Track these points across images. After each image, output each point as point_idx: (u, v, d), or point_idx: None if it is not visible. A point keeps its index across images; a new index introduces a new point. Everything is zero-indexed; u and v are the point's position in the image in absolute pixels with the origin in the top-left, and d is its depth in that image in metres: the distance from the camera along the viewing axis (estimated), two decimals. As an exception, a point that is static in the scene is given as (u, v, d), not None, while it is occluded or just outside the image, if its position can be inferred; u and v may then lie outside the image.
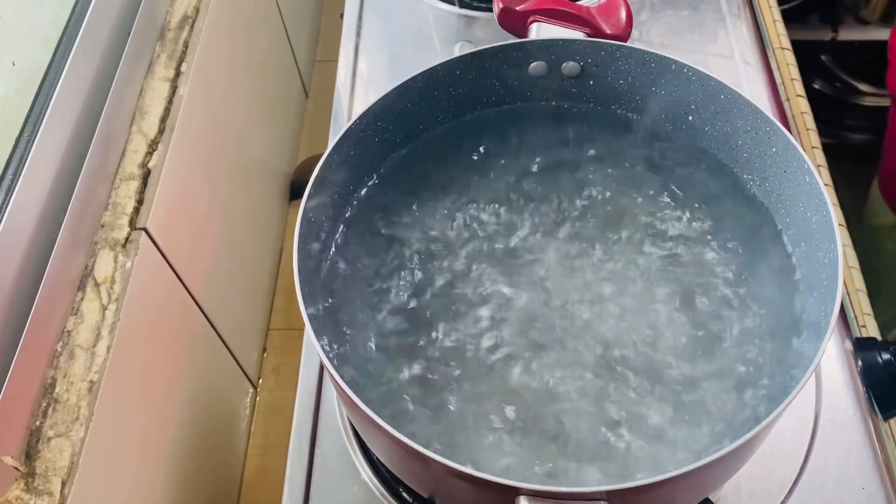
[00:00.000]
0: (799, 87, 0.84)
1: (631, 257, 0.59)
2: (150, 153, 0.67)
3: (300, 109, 1.15)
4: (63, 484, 0.51)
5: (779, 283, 0.56)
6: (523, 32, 0.66)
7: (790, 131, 0.58)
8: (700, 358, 0.54)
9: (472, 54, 0.62)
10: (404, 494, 0.59)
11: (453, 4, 0.90)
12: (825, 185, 0.56)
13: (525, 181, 0.63)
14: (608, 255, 0.59)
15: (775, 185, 0.58)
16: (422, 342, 0.56)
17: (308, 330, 0.48)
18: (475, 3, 0.90)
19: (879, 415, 0.63)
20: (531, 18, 0.65)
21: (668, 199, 0.62)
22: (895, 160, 1.01)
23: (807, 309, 0.54)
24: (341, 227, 0.61)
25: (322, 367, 0.66)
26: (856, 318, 0.70)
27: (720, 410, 0.52)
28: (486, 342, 0.56)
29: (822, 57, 1.48)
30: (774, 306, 0.56)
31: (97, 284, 0.59)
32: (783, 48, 0.87)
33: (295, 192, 1.04)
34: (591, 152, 0.64)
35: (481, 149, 0.65)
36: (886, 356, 0.64)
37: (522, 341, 0.55)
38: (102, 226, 0.63)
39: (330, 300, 0.57)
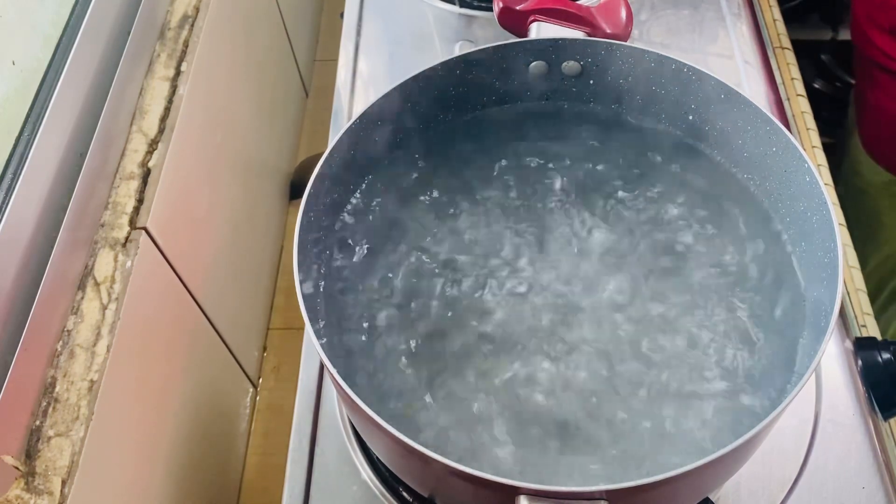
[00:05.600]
0: (799, 87, 0.84)
1: (628, 255, 0.59)
2: (150, 152, 0.67)
3: (300, 109, 1.15)
4: (63, 483, 0.51)
5: (778, 282, 0.56)
6: (523, 32, 0.66)
7: (790, 131, 0.58)
8: (698, 356, 0.54)
9: (472, 54, 0.62)
10: (404, 494, 0.59)
11: (453, 4, 0.90)
12: (825, 184, 0.56)
13: (525, 180, 0.63)
14: (605, 253, 0.59)
15: (775, 184, 0.58)
16: (423, 340, 0.56)
17: (308, 329, 0.48)
18: (475, 3, 0.90)
19: (879, 414, 0.63)
20: (531, 18, 0.65)
21: (667, 199, 0.62)
22: (875, 117, 1.01)
23: (807, 309, 0.54)
24: (341, 226, 0.61)
25: (322, 367, 0.66)
26: (856, 317, 0.70)
27: (719, 410, 0.52)
28: (488, 339, 0.56)
29: (822, 57, 1.48)
30: (774, 306, 0.56)
31: (97, 284, 0.59)
32: (783, 48, 0.87)
33: (295, 191, 1.04)
34: (591, 152, 0.64)
35: (481, 148, 0.65)
36: (886, 356, 0.64)
37: (526, 330, 0.56)
38: (102, 225, 0.63)
39: (330, 299, 0.57)
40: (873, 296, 1.08)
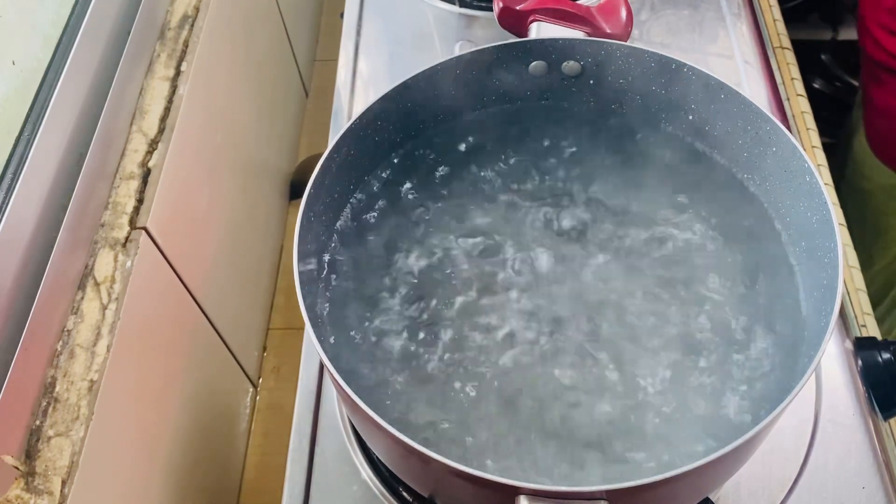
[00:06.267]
0: (799, 87, 0.84)
1: (627, 255, 0.59)
2: (150, 152, 0.67)
3: (300, 109, 1.15)
4: (63, 483, 0.51)
5: (778, 282, 0.56)
6: (523, 32, 0.66)
7: (790, 131, 0.58)
8: (698, 357, 0.54)
9: (472, 54, 0.62)
10: (404, 494, 0.59)
11: (453, 4, 0.90)
12: (825, 184, 0.56)
13: (524, 179, 0.63)
14: (605, 253, 0.59)
15: (775, 184, 0.58)
16: (422, 339, 0.56)
17: (308, 329, 0.48)
18: (475, 3, 0.90)
19: (879, 414, 0.63)
20: (531, 18, 0.65)
21: (667, 199, 0.62)
22: (882, 120, 1.01)
23: (807, 309, 0.54)
24: (341, 226, 0.61)
25: (322, 367, 0.66)
26: (856, 317, 0.70)
27: (720, 410, 0.52)
28: (490, 340, 0.56)
29: (822, 57, 1.48)
30: (774, 306, 0.56)
31: (97, 284, 0.59)
32: (783, 48, 0.87)
33: (295, 191, 1.04)
34: (591, 151, 0.64)
35: (481, 148, 0.65)
36: (886, 356, 0.64)
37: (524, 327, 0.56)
38: (102, 225, 0.63)
39: (330, 299, 0.57)
40: (879, 298, 1.08)
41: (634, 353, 0.55)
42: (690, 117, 0.62)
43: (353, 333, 0.56)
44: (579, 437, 0.51)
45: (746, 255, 0.58)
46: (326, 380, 0.66)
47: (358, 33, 0.90)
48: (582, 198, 0.62)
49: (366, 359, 0.55)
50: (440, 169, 0.64)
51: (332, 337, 0.56)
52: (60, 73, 0.60)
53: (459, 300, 0.57)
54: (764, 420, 0.45)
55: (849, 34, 1.45)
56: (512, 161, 0.64)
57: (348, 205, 0.62)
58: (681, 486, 0.46)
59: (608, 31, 0.64)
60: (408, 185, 0.63)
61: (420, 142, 0.65)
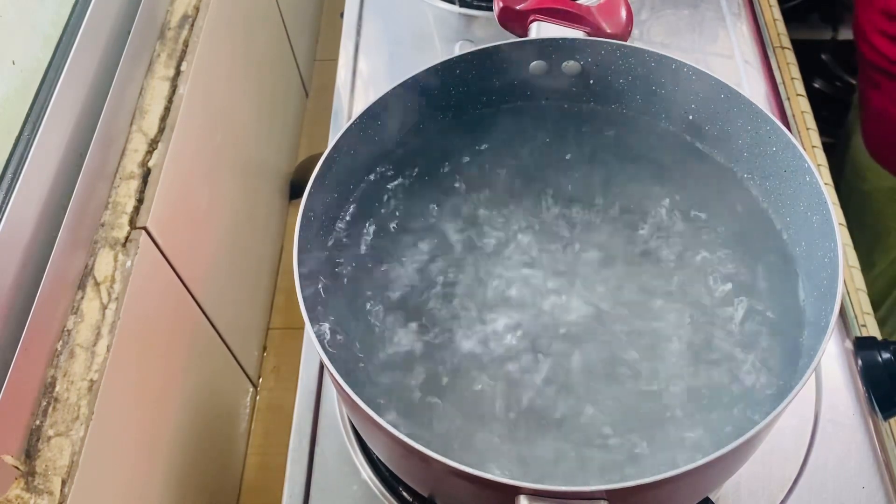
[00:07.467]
0: (799, 87, 0.84)
1: (627, 254, 0.59)
2: (150, 152, 0.67)
3: (300, 109, 1.15)
4: (63, 483, 0.51)
5: (778, 282, 0.56)
6: (523, 32, 0.66)
7: (790, 131, 0.58)
8: (699, 357, 0.54)
9: (472, 53, 0.62)
10: (404, 494, 0.59)
11: (453, 4, 0.90)
12: (825, 184, 0.56)
13: (525, 179, 0.63)
14: (603, 253, 0.59)
15: (775, 184, 0.58)
16: (422, 340, 0.56)
17: (308, 329, 0.48)
18: (475, 3, 0.90)
19: (879, 414, 0.63)
20: (531, 18, 0.65)
21: (667, 199, 0.62)
22: (880, 122, 1.01)
23: (807, 309, 0.54)
24: (341, 225, 0.61)
25: (322, 367, 0.66)
26: (856, 317, 0.70)
27: (719, 410, 0.52)
28: (490, 345, 0.56)
29: (822, 56, 1.48)
30: (774, 306, 0.56)
31: (97, 283, 0.59)
32: (783, 47, 0.87)
33: (295, 191, 1.04)
34: (590, 152, 0.64)
35: (481, 148, 0.65)
36: (886, 356, 0.64)
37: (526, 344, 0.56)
38: (102, 225, 0.63)
39: (331, 299, 0.57)
40: (880, 301, 1.08)
41: (630, 350, 0.55)
42: (690, 117, 0.62)
43: (353, 333, 0.56)
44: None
45: (746, 256, 0.58)
46: (326, 380, 0.66)
47: (358, 33, 0.90)
48: (577, 196, 0.62)
49: (367, 358, 0.55)
50: (441, 168, 0.64)
51: (333, 336, 0.56)
52: (60, 73, 0.60)
53: (462, 299, 0.57)
54: (764, 420, 0.45)
55: (849, 34, 1.45)
56: (511, 161, 0.64)
57: (349, 204, 0.62)
58: (681, 485, 0.46)
59: (608, 31, 0.64)
60: (408, 184, 0.63)
61: (420, 141, 0.65)
